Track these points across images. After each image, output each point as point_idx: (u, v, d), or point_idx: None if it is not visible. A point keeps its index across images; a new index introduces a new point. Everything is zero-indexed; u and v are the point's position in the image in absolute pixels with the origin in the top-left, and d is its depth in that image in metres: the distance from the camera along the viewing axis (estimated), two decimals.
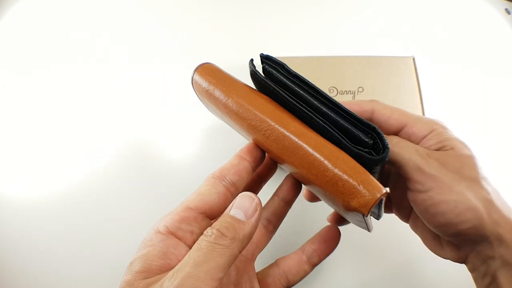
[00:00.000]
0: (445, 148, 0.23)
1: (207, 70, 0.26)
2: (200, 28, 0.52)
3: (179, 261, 0.20)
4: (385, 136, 0.21)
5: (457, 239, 0.23)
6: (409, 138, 0.25)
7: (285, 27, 0.52)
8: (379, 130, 0.21)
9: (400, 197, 0.28)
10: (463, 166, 0.22)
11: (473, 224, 0.21)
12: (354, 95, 0.41)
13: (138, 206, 0.42)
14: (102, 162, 0.44)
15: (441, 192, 0.21)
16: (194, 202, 0.22)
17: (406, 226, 0.29)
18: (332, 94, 0.41)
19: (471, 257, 0.23)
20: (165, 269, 0.20)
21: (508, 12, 0.55)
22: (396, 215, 0.30)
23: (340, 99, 0.41)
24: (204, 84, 0.26)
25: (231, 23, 0.52)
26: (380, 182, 0.20)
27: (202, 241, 0.19)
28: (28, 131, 0.46)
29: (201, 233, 0.21)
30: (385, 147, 0.21)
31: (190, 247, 0.21)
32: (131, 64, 0.50)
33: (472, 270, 0.24)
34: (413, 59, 0.43)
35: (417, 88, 0.43)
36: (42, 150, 0.45)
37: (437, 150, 0.23)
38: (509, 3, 0.55)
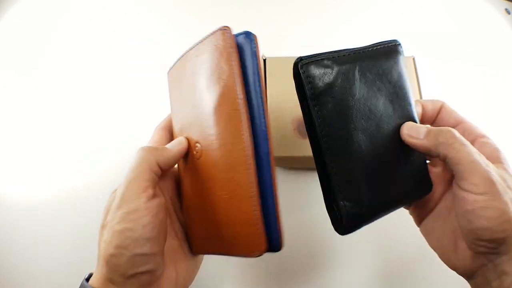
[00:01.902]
0: (498, 159, 0.26)
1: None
2: (200, 28, 0.52)
3: None
4: (440, 129, 0.24)
5: (486, 245, 0.23)
6: (464, 133, 0.27)
7: (285, 27, 0.52)
8: None
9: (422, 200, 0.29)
10: (509, 179, 0.24)
11: (507, 234, 0.22)
12: None
13: None
14: (102, 162, 0.44)
15: (493, 198, 0.22)
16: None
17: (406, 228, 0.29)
18: None
19: (486, 269, 0.24)
20: None
21: (508, 12, 0.55)
22: (412, 215, 0.30)
23: None
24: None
25: (231, 23, 0.52)
26: None
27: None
28: (28, 131, 0.46)
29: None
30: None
31: None
32: (131, 64, 0.50)
33: (477, 286, 0.25)
34: (413, 59, 0.43)
35: (417, 88, 0.42)
36: (42, 150, 0.45)
37: (491, 157, 0.25)
38: (509, 3, 0.55)
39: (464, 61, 0.52)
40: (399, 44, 0.27)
